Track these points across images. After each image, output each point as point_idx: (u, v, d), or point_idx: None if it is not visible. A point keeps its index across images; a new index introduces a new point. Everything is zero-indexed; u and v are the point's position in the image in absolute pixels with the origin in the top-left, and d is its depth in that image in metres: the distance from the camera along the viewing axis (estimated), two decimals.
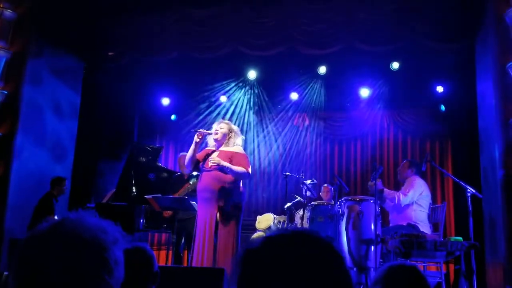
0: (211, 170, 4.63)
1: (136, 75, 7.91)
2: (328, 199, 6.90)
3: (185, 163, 4.85)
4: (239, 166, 4.66)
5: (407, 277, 1.88)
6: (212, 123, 8.36)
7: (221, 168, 4.60)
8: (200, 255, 4.53)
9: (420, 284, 1.88)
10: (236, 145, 4.85)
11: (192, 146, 4.75)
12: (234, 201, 4.66)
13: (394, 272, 1.88)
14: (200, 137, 4.75)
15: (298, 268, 0.91)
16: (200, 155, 4.80)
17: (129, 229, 5.78)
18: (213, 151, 4.78)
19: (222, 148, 4.80)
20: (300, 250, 0.94)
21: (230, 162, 4.67)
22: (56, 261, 0.97)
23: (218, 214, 4.70)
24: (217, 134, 4.77)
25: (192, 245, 4.68)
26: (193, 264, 4.56)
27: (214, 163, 4.58)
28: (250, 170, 4.77)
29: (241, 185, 4.83)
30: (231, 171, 4.61)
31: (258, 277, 0.93)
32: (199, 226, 4.64)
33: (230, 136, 4.84)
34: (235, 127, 5.01)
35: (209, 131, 4.79)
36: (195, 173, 6.08)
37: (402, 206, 5.25)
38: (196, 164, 4.80)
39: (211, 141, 4.88)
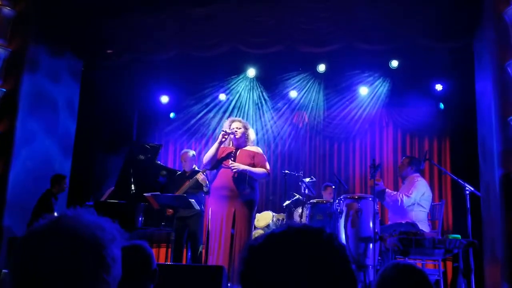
0: (231, 168, 4.66)
1: (135, 73, 7.90)
2: (330, 199, 6.88)
3: (205, 161, 4.87)
4: (260, 166, 4.77)
5: (415, 280, 1.89)
6: (211, 121, 8.51)
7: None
8: (216, 253, 4.54)
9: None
10: (252, 140, 4.92)
11: (216, 145, 4.81)
12: (250, 200, 4.68)
13: (403, 274, 1.88)
14: (226, 137, 4.79)
15: (301, 267, 0.90)
16: (219, 154, 4.81)
17: (128, 227, 5.79)
18: (234, 150, 4.81)
19: (242, 147, 4.84)
20: (304, 248, 0.93)
21: (252, 161, 4.76)
22: (53, 259, 0.98)
23: (235, 212, 4.72)
24: (236, 133, 4.80)
25: (207, 243, 4.70)
26: (209, 262, 4.57)
27: (235, 169, 4.63)
28: (269, 169, 4.84)
29: (257, 185, 4.85)
30: (252, 173, 4.65)
31: (261, 274, 0.92)
32: (213, 223, 4.65)
33: (248, 134, 4.88)
34: (247, 122, 5.07)
35: (231, 131, 4.81)
36: (196, 169, 6.10)
37: (405, 207, 5.25)
38: (217, 163, 4.82)
39: (227, 140, 4.92)
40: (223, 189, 4.66)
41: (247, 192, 4.66)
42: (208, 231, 4.69)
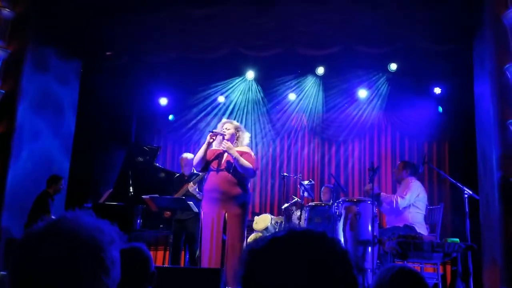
0: (220, 171, 4.64)
1: (134, 75, 7.89)
2: (327, 200, 6.90)
3: (195, 163, 4.85)
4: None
5: (412, 283, 1.88)
6: (210, 123, 8.50)
7: (228, 168, 4.62)
8: (208, 255, 4.53)
9: None
10: (244, 144, 4.88)
11: (204, 146, 4.76)
12: (241, 202, 4.66)
13: (400, 277, 1.88)
14: (214, 137, 4.76)
15: (304, 271, 0.89)
16: (209, 156, 4.79)
17: (126, 229, 5.78)
18: (222, 152, 4.79)
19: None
20: (306, 252, 0.92)
21: None
22: (52, 261, 0.97)
23: (226, 215, 4.70)
24: (225, 134, 4.78)
25: (199, 245, 4.68)
26: (202, 265, 4.55)
27: (225, 146, 4.59)
28: (255, 169, 4.80)
29: (248, 186, 4.82)
30: (238, 162, 4.60)
31: (262, 278, 0.91)
32: (205, 226, 4.63)
33: (238, 136, 4.86)
34: (240, 125, 5.03)
35: (222, 132, 4.79)
36: (195, 172, 6.09)
37: (400, 209, 5.26)
38: (206, 164, 4.79)
39: (217, 142, 4.88)
40: (214, 191, 4.64)
41: (238, 193, 4.63)
42: (200, 233, 4.68)
